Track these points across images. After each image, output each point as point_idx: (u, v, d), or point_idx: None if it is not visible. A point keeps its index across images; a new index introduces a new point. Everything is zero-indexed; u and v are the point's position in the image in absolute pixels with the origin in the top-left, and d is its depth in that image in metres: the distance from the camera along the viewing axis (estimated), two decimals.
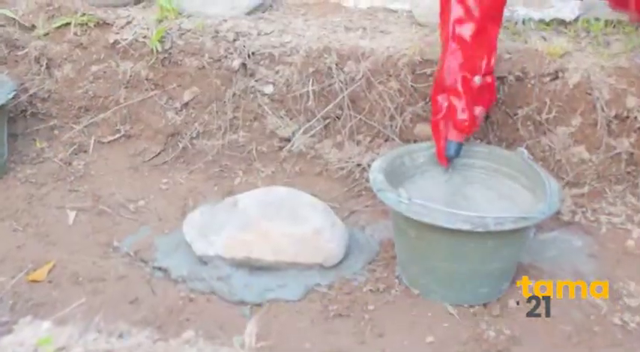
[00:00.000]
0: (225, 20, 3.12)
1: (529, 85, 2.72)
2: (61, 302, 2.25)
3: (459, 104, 2.37)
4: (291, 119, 3.02)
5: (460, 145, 2.44)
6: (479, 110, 2.41)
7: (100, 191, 2.92)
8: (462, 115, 2.36)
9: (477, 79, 2.36)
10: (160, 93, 3.16)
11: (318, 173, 2.99)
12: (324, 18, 3.23)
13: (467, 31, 2.35)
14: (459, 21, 2.35)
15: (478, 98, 2.39)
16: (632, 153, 2.70)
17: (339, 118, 2.96)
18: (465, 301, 2.29)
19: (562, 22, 3.01)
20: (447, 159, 2.46)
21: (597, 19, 2.94)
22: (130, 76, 3.16)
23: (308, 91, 2.94)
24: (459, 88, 2.35)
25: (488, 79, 2.41)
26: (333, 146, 3.00)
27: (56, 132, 3.25)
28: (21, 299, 2.28)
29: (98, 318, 1.95)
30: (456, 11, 2.35)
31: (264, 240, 2.40)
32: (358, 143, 2.96)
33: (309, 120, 2.99)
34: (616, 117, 2.68)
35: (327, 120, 2.99)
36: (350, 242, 2.53)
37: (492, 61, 2.40)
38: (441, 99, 2.42)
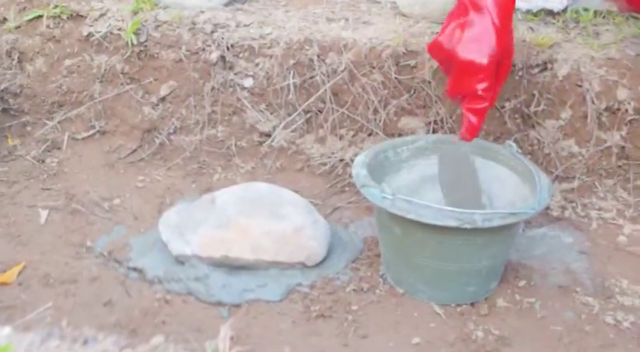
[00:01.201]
0: (203, 12, 3.03)
1: (517, 77, 2.65)
2: (31, 306, 2.15)
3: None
4: (271, 113, 2.94)
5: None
6: None
7: (74, 189, 2.82)
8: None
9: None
10: (136, 88, 3.06)
11: (299, 169, 2.91)
12: (305, 9, 3.14)
13: None
14: None
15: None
16: (623, 147, 2.63)
17: (321, 112, 2.88)
18: (452, 300, 2.21)
19: (550, 13, 2.94)
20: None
21: (586, 10, 2.87)
22: (105, 69, 3.06)
23: (289, 84, 2.86)
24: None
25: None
26: (315, 141, 2.92)
27: (29, 128, 3.14)
28: None
29: (65, 323, 1.85)
30: None
31: (243, 238, 2.31)
32: (341, 137, 2.87)
33: (290, 114, 2.90)
34: (607, 109, 2.61)
35: (309, 114, 2.90)
36: (333, 240, 2.44)
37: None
38: None
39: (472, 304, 2.21)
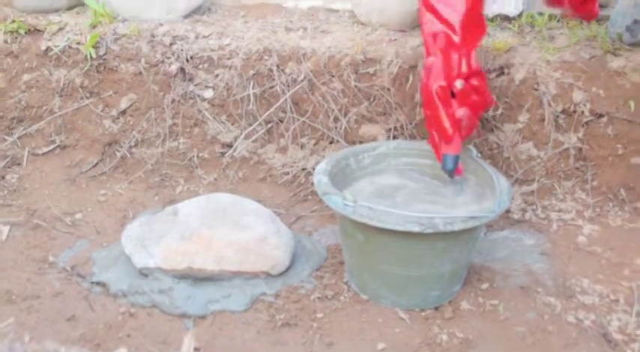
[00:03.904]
0: (162, 24, 3.04)
1: None
2: None
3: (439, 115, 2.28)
4: (232, 124, 2.94)
5: (455, 157, 2.29)
6: (462, 113, 2.27)
7: (35, 205, 2.80)
8: (445, 124, 2.28)
9: (459, 84, 2.24)
10: (96, 101, 3.05)
11: (262, 178, 2.92)
12: (264, 19, 3.16)
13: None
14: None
15: (461, 102, 2.27)
16: (580, 149, 2.67)
17: (281, 122, 2.89)
18: (417, 305, 2.22)
19: (506, 18, 2.99)
20: (449, 172, 2.31)
21: (541, 14, 2.91)
22: (64, 84, 3.05)
23: (249, 95, 2.87)
24: (435, 99, 2.26)
25: (474, 81, 2.27)
26: (277, 150, 2.93)
27: None
28: None
29: (27, 338, 1.84)
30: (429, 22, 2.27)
31: (206, 250, 2.31)
32: (302, 146, 2.89)
33: (251, 125, 2.91)
34: (563, 112, 2.65)
35: (270, 124, 2.91)
36: (296, 248, 2.45)
37: (464, 67, 2.24)
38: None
39: (436, 308, 2.22)
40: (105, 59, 3.00)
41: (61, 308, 2.25)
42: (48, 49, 3.05)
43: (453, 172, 2.31)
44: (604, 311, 2.20)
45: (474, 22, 2.26)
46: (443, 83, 2.22)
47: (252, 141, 2.92)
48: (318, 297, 2.27)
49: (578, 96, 2.62)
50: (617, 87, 2.60)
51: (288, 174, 2.87)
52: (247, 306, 2.24)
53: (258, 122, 2.89)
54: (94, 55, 2.97)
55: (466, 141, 2.34)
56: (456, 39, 2.20)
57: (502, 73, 2.69)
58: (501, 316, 2.20)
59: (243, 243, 2.33)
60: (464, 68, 2.22)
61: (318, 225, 2.68)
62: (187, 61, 2.91)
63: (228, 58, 2.89)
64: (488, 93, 2.33)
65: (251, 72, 2.86)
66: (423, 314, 2.20)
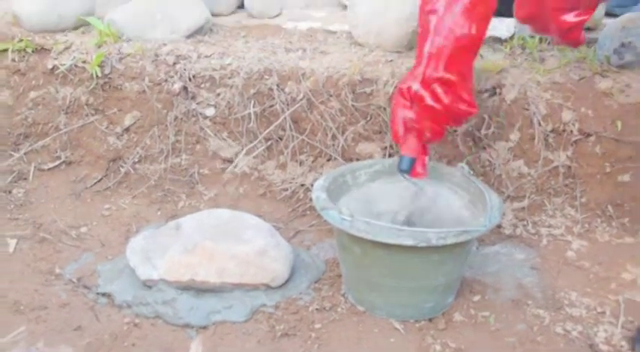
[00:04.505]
0: (165, 44, 3.12)
1: None
2: (2, 331, 2.20)
3: (392, 114, 2.36)
4: (233, 141, 3.02)
5: (410, 159, 2.34)
6: (410, 116, 2.31)
7: (41, 218, 2.88)
8: (395, 124, 2.35)
9: (414, 86, 2.28)
10: (101, 119, 3.13)
11: (261, 194, 3.00)
12: (264, 40, 3.24)
13: None
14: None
15: (415, 106, 2.30)
16: (569, 166, 2.75)
17: (281, 139, 2.97)
18: (411, 316, 2.30)
19: (498, 40, 3.08)
20: (401, 172, 2.36)
21: (532, 36, 2.99)
22: (70, 101, 3.13)
23: (250, 113, 2.95)
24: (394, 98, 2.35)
25: (437, 88, 2.25)
26: (276, 167, 3.01)
27: None
28: None
29: (40, 345, 1.93)
30: None
31: (208, 262, 2.38)
32: (301, 163, 2.97)
33: (251, 142, 2.99)
34: (553, 131, 2.73)
35: (270, 142, 3.00)
36: (295, 261, 2.53)
37: (428, 71, 2.25)
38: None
39: (430, 319, 2.30)
40: (110, 78, 3.08)
41: (67, 318, 2.32)
42: (54, 67, 3.14)
43: (406, 173, 2.36)
44: (591, 322, 2.28)
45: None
46: (404, 85, 2.30)
47: (253, 158, 3.00)
48: (317, 309, 2.35)
49: (567, 116, 2.71)
50: (605, 107, 2.68)
51: (287, 190, 2.95)
52: (248, 317, 2.31)
53: (258, 139, 2.98)
54: (99, 74, 3.06)
55: (427, 145, 2.40)
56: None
57: (494, 94, 2.77)
58: (492, 327, 2.27)
59: (243, 256, 2.41)
60: (428, 72, 2.25)
61: (317, 239, 2.76)
62: (190, 79, 3.00)
63: (230, 78, 2.98)
64: (457, 106, 2.28)
65: (252, 91, 2.94)
66: (417, 325, 2.28)
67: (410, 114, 2.30)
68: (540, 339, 2.21)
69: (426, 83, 2.25)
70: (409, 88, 2.28)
